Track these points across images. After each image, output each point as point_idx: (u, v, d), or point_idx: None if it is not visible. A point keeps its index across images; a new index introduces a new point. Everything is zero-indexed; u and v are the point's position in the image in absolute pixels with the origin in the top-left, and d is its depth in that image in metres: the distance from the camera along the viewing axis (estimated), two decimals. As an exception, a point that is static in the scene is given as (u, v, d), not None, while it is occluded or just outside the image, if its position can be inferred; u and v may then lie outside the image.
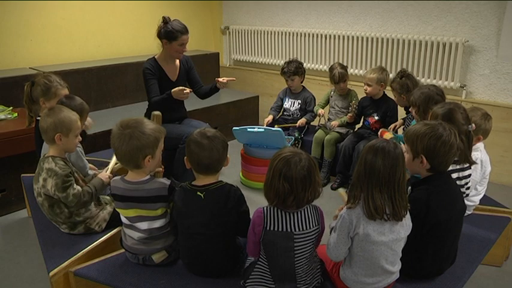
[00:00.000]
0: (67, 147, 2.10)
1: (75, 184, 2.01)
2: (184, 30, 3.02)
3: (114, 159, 2.22)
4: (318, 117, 3.60)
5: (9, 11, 3.67)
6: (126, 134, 1.71)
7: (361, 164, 1.57)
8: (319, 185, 1.59)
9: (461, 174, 2.03)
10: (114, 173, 2.27)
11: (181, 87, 2.94)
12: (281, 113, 3.82)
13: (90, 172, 2.40)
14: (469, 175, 2.07)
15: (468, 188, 2.09)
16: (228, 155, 1.78)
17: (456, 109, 2.00)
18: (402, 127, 3.15)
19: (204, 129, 1.75)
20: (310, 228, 1.59)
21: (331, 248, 1.63)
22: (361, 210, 1.55)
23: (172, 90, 2.96)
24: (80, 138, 2.19)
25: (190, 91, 2.99)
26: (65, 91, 2.52)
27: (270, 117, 3.70)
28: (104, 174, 2.18)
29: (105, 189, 2.36)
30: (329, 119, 3.60)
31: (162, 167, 2.02)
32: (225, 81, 3.12)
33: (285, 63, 3.65)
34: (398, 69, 3.81)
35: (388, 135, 2.89)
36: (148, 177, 1.81)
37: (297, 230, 1.57)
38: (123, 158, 1.77)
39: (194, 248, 1.77)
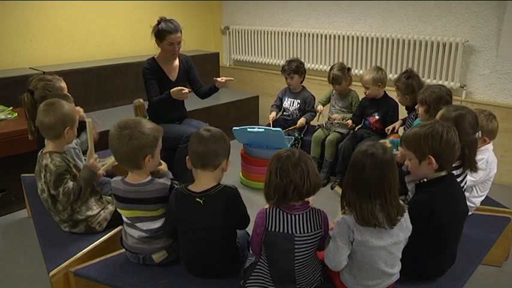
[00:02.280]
0: (70, 139, 2.15)
1: (68, 181, 2.00)
2: (173, 30, 2.99)
3: (89, 136, 2.09)
4: (317, 114, 3.60)
5: (9, 11, 3.67)
6: (125, 135, 1.70)
7: (350, 171, 1.57)
8: (318, 177, 1.59)
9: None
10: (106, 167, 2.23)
11: (180, 87, 2.94)
12: (281, 113, 3.82)
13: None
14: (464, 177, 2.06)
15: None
16: (229, 158, 1.78)
17: (468, 116, 1.96)
18: (403, 127, 3.15)
19: (208, 127, 1.78)
20: (311, 231, 1.59)
21: (330, 257, 1.60)
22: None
23: (171, 90, 2.96)
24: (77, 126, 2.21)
25: (189, 91, 2.99)
26: (64, 83, 2.57)
27: (273, 114, 3.71)
28: (91, 162, 2.05)
29: (107, 187, 2.35)
30: (329, 118, 3.59)
31: (163, 163, 2.00)
32: (223, 80, 3.13)
33: (286, 61, 3.66)
34: (399, 69, 3.83)
35: (386, 145, 2.87)
36: (149, 178, 1.81)
37: (298, 232, 1.57)
38: (123, 159, 1.76)
39: (194, 251, 1.77)
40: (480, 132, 2.02)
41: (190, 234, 1.73)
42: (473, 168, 1.98)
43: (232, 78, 3.25)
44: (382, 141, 2.98)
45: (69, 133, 2.10)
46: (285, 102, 3.75)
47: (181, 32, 3.05)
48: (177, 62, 3.24)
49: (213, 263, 1.77)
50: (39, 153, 2.11)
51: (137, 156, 1.73)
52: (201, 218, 1.70)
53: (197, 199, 1.69)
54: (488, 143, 2.26)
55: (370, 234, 1.53)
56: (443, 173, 1.72)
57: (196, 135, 1.73)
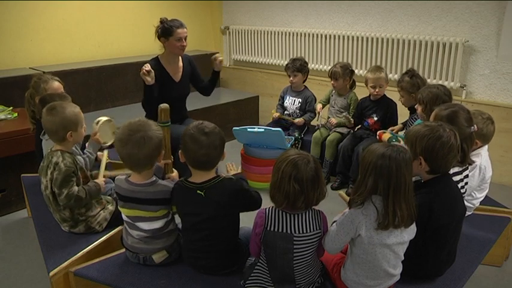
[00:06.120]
0: (77, 140, 2.17)
1: (74, 185, 2.01)
2: (179, 25, 3.02)
3: (103, 161, 2.29)
4: (317, 114, 3.61)
5: (9, 11, 3.67)
6: (139, 138, 1.69)
7: (368, 170, 1.50)
8: (324, 185, 1.61)
9: (459, 177, 2.01)
10: (108, 176, 2.30)
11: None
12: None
13: (81, 159, 2.33)
14: (467, 175, 2.06)
15: (463, 188, 2.07)
16: (224, 150, 1.77)
17: (460, 111, 1.97)
18: (403, 131, 3.12)
19: (202, 123, 1.72)
20: (310, 231, 1.59)
21: (328, 240, 1.60)
22: (369, 213, 1.52)
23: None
24: (85, 126, 2.22)
25: (148, 69, 2.88)
26: (55, 83, 2.59)
27: (278, 114, 3.72)
28: (101, 180, 2.18)
29: (105, 191, 2.36)
30: (328, 118, 3.60)
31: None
32: (219, 58, 3.13)
33: (290, 59, 3.67)
34: (399, 69, 3.83)
35: (386, 135, 2.88)
36: (153, 179, 1.81)
37: (296, 232, 1.57)
38: (139, 163, 1.74)
39: (197, 243, 1.77)
40: (475, 125, 2.01)
41: (197, 226, 1.74)
42: (469, 161, 1.97)
43: (222, 58, 3.21)
44: (380, 131, 2.98)
45: (74, 136, 2.09)
46: (286, 101, 3.75)
47: (186, 28, 3.08)
48: (180, 63, 3.24)
49: (215, 256, 1.77)
50: (49, 150, 2.12)
51: (154, 156, 1.76)
52: (204, 209, 1.70)
53: (198, 191, 1.69)
54: (480, 146, 2.23)
55: (376, 232, 1.52)
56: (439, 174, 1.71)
57: (192, 138, 1.67)
